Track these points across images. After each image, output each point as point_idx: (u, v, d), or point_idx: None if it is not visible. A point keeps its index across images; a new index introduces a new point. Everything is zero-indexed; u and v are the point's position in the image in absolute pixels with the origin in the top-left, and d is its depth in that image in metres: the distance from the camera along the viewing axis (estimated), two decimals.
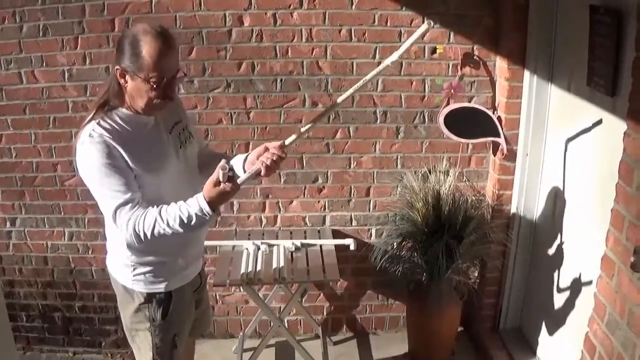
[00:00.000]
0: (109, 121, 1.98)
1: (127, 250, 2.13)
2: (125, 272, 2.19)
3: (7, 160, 3.35)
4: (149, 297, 2.20)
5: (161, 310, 2.21)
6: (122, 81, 1.96)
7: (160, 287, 2.19)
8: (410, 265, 3.26)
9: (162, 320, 2.22)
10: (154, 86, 1.92)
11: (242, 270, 3.05)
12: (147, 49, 1.88)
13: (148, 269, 2.16)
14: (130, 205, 1.96)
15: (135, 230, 1.96)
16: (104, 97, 2.03)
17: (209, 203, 1.92)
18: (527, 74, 3.08)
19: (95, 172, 1.95)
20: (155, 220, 1.94)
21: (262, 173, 2.04)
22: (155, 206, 1.98)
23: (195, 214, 1.93)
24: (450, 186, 3.18)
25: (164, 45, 1.89)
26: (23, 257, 3.56)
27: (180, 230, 1.95)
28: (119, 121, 2.00)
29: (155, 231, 1.95)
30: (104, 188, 1.96)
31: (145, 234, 1.95)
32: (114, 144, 1.93)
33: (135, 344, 2.32)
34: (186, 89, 3.20)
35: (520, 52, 3.06)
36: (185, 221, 1.94)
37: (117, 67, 1.94)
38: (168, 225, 1.94)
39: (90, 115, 1.99)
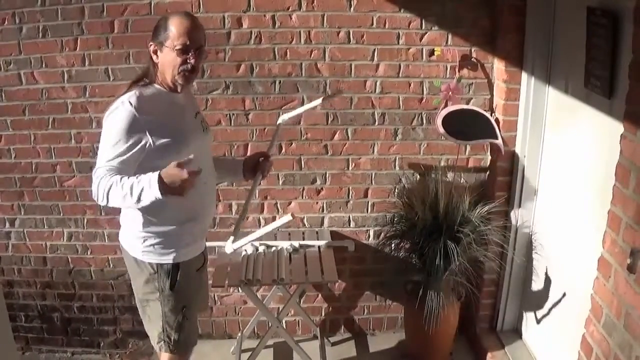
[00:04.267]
0: (144, 93, 2.20)
1: (139, 220, 2.30)
2: (136, 244, 2.36)
3: (6, 161, 3.35)
4: (158, 268, 2.36)
5: (169, 281, 2.37)
6: (154, 57, 2.24)
7: (169, 259, 2.36)
8: (408, 266, 3.27)
9: (170, 291, 2.38)
10: (179, 53, 2.16)
11: (241, 271, 3.06)
12: (174, 22, 2.18)
13: (157, 240, 2.33)
14: (110, 168, 2.10)
15: (97, 187, 2.09)
16: (140, 74, 2.32)
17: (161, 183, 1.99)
18: (524, 75, 3.09)
19: (110, 132, 2.13)
20: (114, 182, 2.05)
21: None
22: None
23: (145, 186, 2.01)
24: (448, 188, 3.19)
25: (187, 19, 2.20)
26: (22, 257, 3.57)
27: (130, 197, 2.03)
28: (152, 95, 2.23)
29: (112, 192, 2.05)
30: (106, 148, 2.13)
31: (104, 192, 2.06)
32: (142, 119, 2.13)
33: (146, 315, 2.48)
34: None
35: (518, 54, 3.07)
36: (134, 188, 2.02)
37: (151, 43, 2.23)
38: (122, 186, 2.03)
39: (127, 88, 2.24)
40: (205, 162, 2.38)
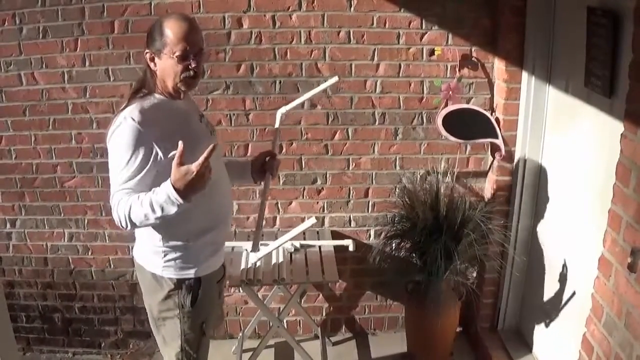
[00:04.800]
0: (145, 106, 2.08)
1: (158, 236, 2.18)
2: (155, 260, 2.23)
3: (7, 161, 3.36)
4: (179, 283, 2.24)
5: (190, 296, 2.24)
6: (152, 65, 2.12)
7: (190, 273, 2.24)
8: (409, 265, 3.27)
9: (191, 307, 2.26)
10: (180, 59, 2.05)
11: (242, 271, 3.06)
12: (170, 27, 2.06)
13: (178, 254, 2.21)
14: (126, 190, 2.02)
15: (117, 212, 2.02)
16: (136, 85, 2.18)
17: (177, 190, 1.92)
18: (525, 75, 3.09)
19: (117, 152, 2.04)
20: (132, 203, 1.98)
21: None
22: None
23: (165, 199, 1.94)
24: (448, 187, 3.19)
25: (184, 22, 2.07)
26: (23, 258, 3.57)
27: (152, 213, 1.96)
28: (154, 105, 2.11)
29: (133, 213, 1.98)
30: (117, 171, 2.04)
31: (125, 216, 2.00)
32: (148, 132, 2.02)
33: (160, 335, 2.35)
34: None
35: (518, 54, 3.07)
36: (155, 204, 1.96)
37: (147, 51, 2.11)
38: (142, 205, 1.96)
39: (126, 102, 2.11)
40: (216, 165, 2.24)
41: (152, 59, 2.11)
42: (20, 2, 3.05)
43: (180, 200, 1.91)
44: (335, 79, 2.79)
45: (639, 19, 1.96)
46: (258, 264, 3.12)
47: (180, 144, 1.89)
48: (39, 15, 3.08)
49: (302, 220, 3.49)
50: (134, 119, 2.01)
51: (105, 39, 3.12)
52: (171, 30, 2.04)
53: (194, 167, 1.88)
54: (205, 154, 1.89)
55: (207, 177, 1.93)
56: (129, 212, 1.98)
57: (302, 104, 2.95)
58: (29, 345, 3.77)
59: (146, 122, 2.02)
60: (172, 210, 1.94)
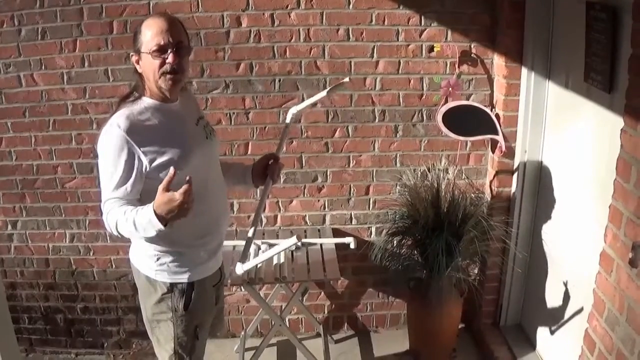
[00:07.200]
0: (133, 112, 2.05)
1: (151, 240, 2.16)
2: (148, 263, 2.22)
3: (7, 163, 3.36)
4: (172, 287, 2.22)
5: (183, 300, 2.23)
6: (137, 67, 2.10)
7: (183, 278, 2.22)
8: (411, 262, 3.27)
9: (184, 311, 2.24)
10: (155, 55, 2.02)
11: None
12: (146, 24, 2.06)
13: (171, 258, 2.19)
14: (115, 199, 2.01)
15: (107, 222, 2.02)
16: (129, 91, 2.16)
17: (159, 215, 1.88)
18: (524, 71, 3.09)
19: (104, 160, 2.04)
20: (119, 217, 1.97)
21: None
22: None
23: (146, 223, 1.92)
24: (449, 184, 3.19)
25: (159, 18, 2.06)
26: (24, 259, 3.57)
27: (135, 232, 1.95)
28: (143, 111, 2.08)
29: (120, 227, 1.97)
30: (105, 179, 2.04)
31: (115, 228, 1.99)
32: (133, 140, 2.00)
33: (155, 336, 2.34)
34: None
35: (518, 49, 3.06)
36: (138, 225, 1.93)
37: (132, 54, 2.10)
38: (126, 221, 1.95)
39: (116, 107, 2.10)
40: (211, 170, 2.27)
41: (137, 61, 2.09)
42: (19, 3, 3.05)
43: (160, 226, 1.88)
44: (346, 79, 2.75)
45: (638, 13, 1.96)
46: (234, 257, 3.12)
47: (171, 169, 1.84)
48: (37, 16, 3.07)
49: (303, 218, 3.51)
50: (119, 126, 1.99)
51: (104, 40, 3.12)
52: (147, 27, 2.04)
53: (178, 195, 1.81)
54: (188, 185, 1.83)
55: (190, 207, 1.85)
56: (117, 225, 1.97)
57: (314, 104, 2.88)
58: (32, 346, 3.77)
59: (132, 129, 2.00)
60: (152, 233, 1.92)
